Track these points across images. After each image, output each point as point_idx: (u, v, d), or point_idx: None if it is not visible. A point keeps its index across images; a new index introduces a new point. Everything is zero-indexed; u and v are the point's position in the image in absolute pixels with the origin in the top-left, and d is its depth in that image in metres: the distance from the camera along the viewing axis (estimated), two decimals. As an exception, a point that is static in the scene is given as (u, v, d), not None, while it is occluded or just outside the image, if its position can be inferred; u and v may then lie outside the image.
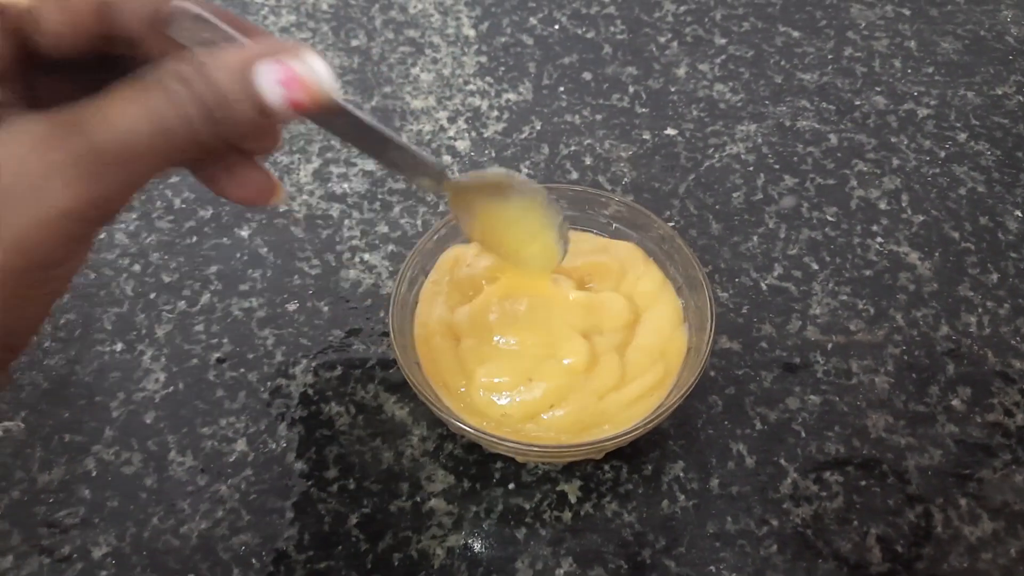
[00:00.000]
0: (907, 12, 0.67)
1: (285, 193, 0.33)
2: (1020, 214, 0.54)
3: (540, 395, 0.41)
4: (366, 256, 0.52)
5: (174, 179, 0.56)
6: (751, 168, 0.57)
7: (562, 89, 0.61)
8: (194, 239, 0.52)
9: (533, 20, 0.66)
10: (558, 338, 0.43)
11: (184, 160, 0.27)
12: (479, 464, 0.44)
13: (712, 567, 0.41)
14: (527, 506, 0.43)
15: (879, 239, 0.53)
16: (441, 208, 0.54)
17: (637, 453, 0.44)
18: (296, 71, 0.26)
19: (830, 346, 0.48)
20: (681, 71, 0.63)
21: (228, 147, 0.30)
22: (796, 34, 0.65)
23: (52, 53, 0.27)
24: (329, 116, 0.31)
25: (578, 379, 0.42)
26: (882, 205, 0.55)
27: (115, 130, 0.24)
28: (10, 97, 0.26)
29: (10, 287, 0.25)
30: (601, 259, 0.46)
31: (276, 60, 0.26)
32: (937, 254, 0.52)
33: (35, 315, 0.27)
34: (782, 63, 0.63)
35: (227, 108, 0.25)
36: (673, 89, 0.61)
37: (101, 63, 0.28)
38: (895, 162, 0.57)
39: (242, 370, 0.47)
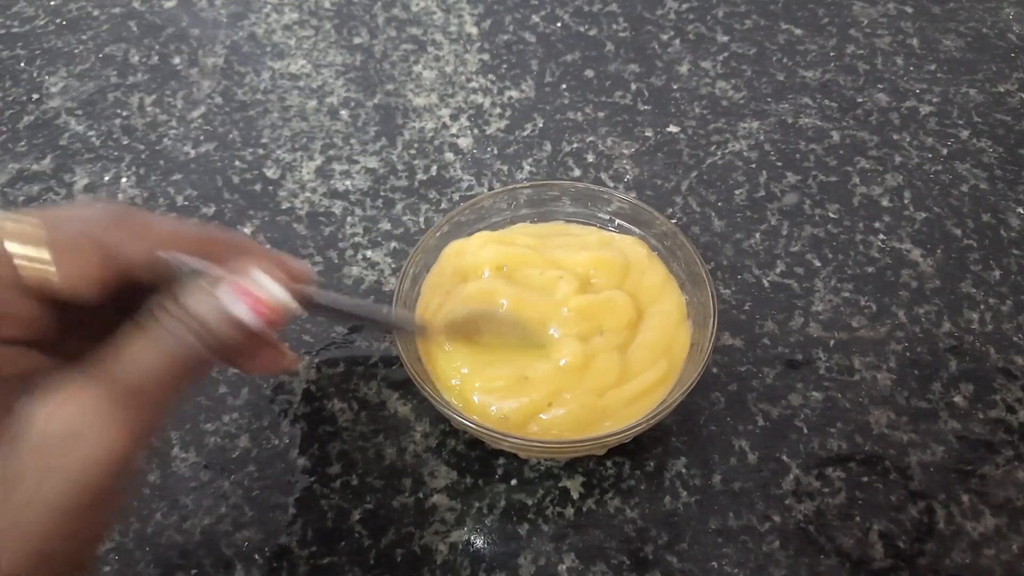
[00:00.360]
0: (909, 9, 0.67)
1: (296, 362, 0.43)
2: (1022, 211, 0.54)
3: (537, 396, 0.41)
4: (368, 253, 0.52)
5: (176, 176, 0.56)
6: (753, 165, 0.57)
7: (564, 86, 0.61)
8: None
9: (535, 18, 0.66)
10: (553, 340, 0.43)
11: (202, 374, 0.31)
12: (482, 460, 0.44)
13: (714, 563, 0.41)
14: (530, 502, 0.43)
15: (881, 236, 0.53)
16: (443, 205, 0.54)
17: (639, 449, 0.44)
18: (252, 293, 0.30)
19: (832, 343, 0.48)
20: (683, 68, 0.63)
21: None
22: (798, 31, 0.65)
23: (73, 303, 0.31)
24: (311, 311, 0.36)
25: (573, 378, 0.42)
26: (884, 202, 0.55)
27: (138, 369, 0.28)
28: (43, 361, 0.30)
29: (80, 522, 0.27)
30: (606, 254, 0.46)
31: (231, 286, 0.30)
32: (939, 251, 0.52)
33: (88, 547, 0.30)
34: (784, 60, 0.63)
35: (216, 333, 0.29)
36: (675, 86, 0.61)
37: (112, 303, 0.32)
38: (897, 159, 0.57)
39: (245, 366, 0.47)
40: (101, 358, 0.28)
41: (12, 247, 0.29)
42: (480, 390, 0.41)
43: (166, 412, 0.30)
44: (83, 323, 0.32)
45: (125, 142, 0.58)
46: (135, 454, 0.28)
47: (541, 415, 0.41)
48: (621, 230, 0.48)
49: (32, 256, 0.29)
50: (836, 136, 0.58)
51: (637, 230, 0.47)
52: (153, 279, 0.32)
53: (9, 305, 0.29)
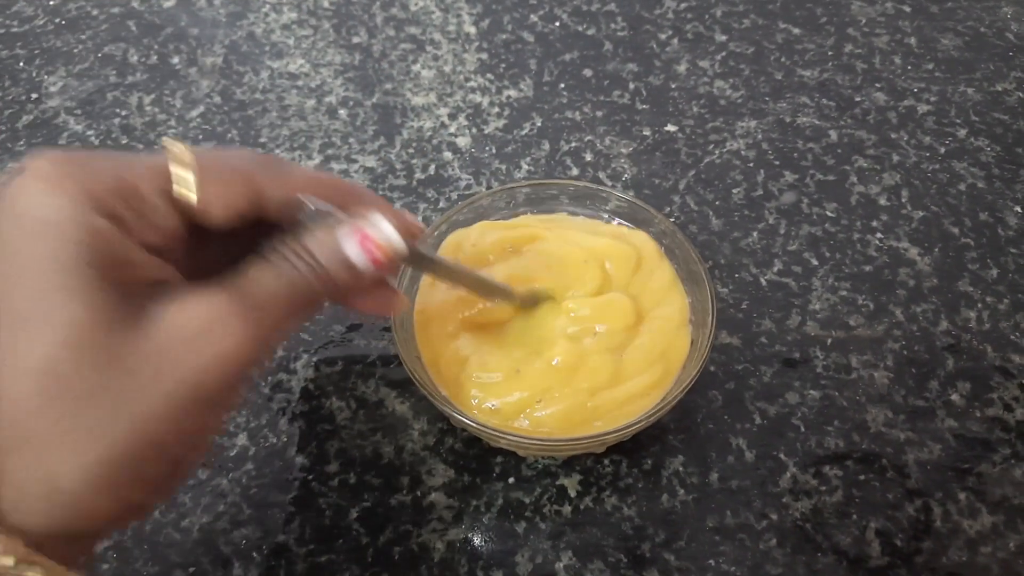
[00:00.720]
0: (907, 9, 0.67)
1: (407, 301, 0.44)
2: (1020, 210, 0.55)
3: (528, 392, 0.41)
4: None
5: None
6: (751, 164, 0.57)
7: (563, 86, 0.61)
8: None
9: (534, 17, 0.66)
10: (546, 341, 0.43)
11: (317, 308, 0.34)
12: (479, 458, 0.44)
13: (712, 561, 0.41)
14: (527, 500, 0.43)
15: (879, 235, 0.53)
16: (442, 204, 0.54)
17: (637, 447, 0.44)
18: (369, 236, 0.33)
19: (830, 341, 0.48)
20: (682, 68, 0.63)
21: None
22: (796, 31, 0.65)
23: (210, 226, 0.33)
24: (414, 262, 0.40)
25: (562, 377, 0.42)
26: (882, 201, 0.55)
27: (263, 290, 0.31)
28: (174, 274, 0.32)
29: (193, 419, 0.29)
30: (622, 245, 0.46)
31: (354, 230, 0.33)
32: (937, 250, 0.52)
33: (193, 449, 0.31)
34: (782, 60, 0.63)
35: (331, 274, 0.32)
36: (673, 86, 0.62)
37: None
38: (895, 158, 0.57)
39: (243, 365, 0.47)
40: (231, 278, 0.31)
41: (171, 166, 0.32)
42: (475, 383, 0.41)
43: (282, 334, 0.32)
44: (212, 251, 0.34)
45: (124, 141, 0.58)
46: (254, 361, 0.31)
47: (531, 411, 0.41)
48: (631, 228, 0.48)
49: (182, 176, 0.32)
50: (834, 135, 0.59)
51: (638, 229, 0.47)
52: (285, 219, 0.34)
53: (157, 214, 0.31)
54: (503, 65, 0.63)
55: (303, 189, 0.34)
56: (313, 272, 0.32)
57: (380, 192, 0.55)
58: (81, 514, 0.27)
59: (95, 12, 0.67)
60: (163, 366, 0.28)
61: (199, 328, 0.29)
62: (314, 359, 0.47)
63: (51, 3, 0.67)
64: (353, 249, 0.33)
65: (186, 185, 0.32)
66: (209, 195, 0.32)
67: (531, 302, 0.44)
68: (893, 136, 0.58)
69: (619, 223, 0.48)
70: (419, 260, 0.40)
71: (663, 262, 0.46)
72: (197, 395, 0.29)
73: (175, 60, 0.63)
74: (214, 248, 0.34)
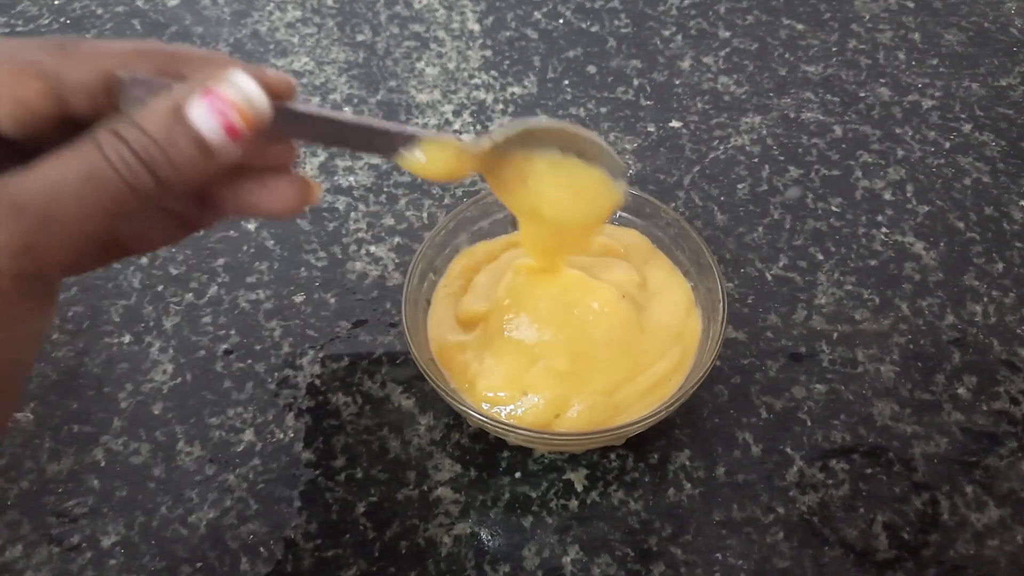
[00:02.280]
0: (911, 4, 0.67)
1: (321, 189, 0.35)
2: (1025, 204, 0.55)
3: (542, 406, 0.41)
4: (372, 248, 0.52)
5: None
6: (756, 160, 0.57)
7: (567, 82, 0.62)
8: (201, 232, 0.52)
9: (537, 14, 0.66)
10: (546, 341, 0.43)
11: (133, 210, 0.26)
12: (486, 453, 0.44)
13: (718, 554, 0.41)
14: (534, 494, 0.43)
15: (884, 229, 0.53)
16: (447, 201, 0.54)
17: (643, 442, 0.44)
18: (221, 95, 0.26)
19: (835, 335, 0.48)
20: (685, 64, 0.63)
21: (243, 168, 0.31)
22: (800, 27, 0.65)
23: (19, 139, 0.27)
24: (283, 126, 0.30)
25: (572, 381, 0.41)
26: (887, 196, 0.55)
27: (37, 183, 0.24)
28: None
29: None
30: (607, 240, 0.46)
31: (203, 91, 0.26)
32: (942, 244, 0.52)
33: (9, 377, 0.27)
34: (786, 55, 0.63)
35: (166, 152, 0.25)
36: (678, 82, 0.62)
37: None
38: (900, 153, 0.57)
39: (249, 361, 0.47)
40: (9, 171, 0.25)
41: None
42: (489, 400, 0.41)
43: (69, 243, 0.25)
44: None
45: (129, 139, 0.58)
46: (31, 284, 0.25)
47: (554, 423, 0.41)
48: (624, 223, 0.48)
49: None
50: (838, 130, 0.58)
51: (641, 222, 0.47)
52: (102, 112, 0.27)
53: None
54: (507, 62, 0.63)
55: (119, 65, 0.28)
56: (131, 151, 0.25)
57: (385, 189, 0.55)
58: None
59: (99, 11, 0.67)
60: None
61: None
62: (320, 355, 0.48)
63: (56, 2, 0.67)
64: (201, 114, 0.26)
65: None
66: None
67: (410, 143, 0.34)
68: (898, 131, 0.58)
69: (621, 216, 0.48)
70: (288, 122, 0.31)
71: (657, 255, 0.46)
72: None
73: (180, 58, 0.63)
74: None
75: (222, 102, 0.26)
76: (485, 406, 0.41)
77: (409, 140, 0.33)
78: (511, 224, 0.48)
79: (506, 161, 0.37)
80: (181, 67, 0.28)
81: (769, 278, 0.51)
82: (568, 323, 0.42)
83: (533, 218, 0.39)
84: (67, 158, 0.25)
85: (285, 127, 0.31)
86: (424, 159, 0.34)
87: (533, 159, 0.37)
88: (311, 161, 0.56)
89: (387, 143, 0.33)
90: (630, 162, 0.56)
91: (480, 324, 0.44)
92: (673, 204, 0.54)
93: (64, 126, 0.28)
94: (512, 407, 0.41)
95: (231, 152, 0.27)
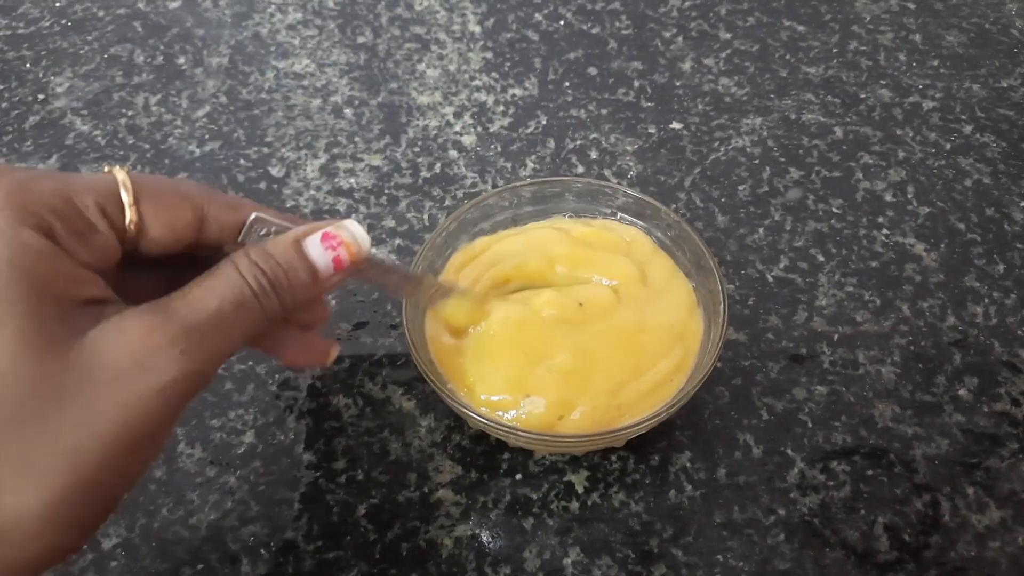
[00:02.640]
0: (912, 6, 0.67)
1: (337, 349, 0.41)
2: (1026, 205, 0.55)
3: (546, 409, 0.41)
4: (373, 250, 0.52)
5: (181, 175, 0.56)
6: (757, 161, 0.57)
7: (568, 84, 0.62)
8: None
9: (538, 16, 0.66)
10: (546, 343, 0.43)
11: (261, 329, 0.32)
12: (486, 455, 0.44)
13: (719, 556, 0.41)
14: (535, 496, 0.43)
15: (885, 231, 0.53)
16: (447, 203, 0.54)
17: (644, 443, 0.44)
18: (334, 234, 0.33)
19: (836, 337, 0.48)
20: (686, 65, 0.63)
21: (286, 320, 0.36)
22: (801, 28, 0.65)
23: (148, 255, 0.32)
24: (364, 272, 0.37)
25: (575, 382, 0.41)
26: (888, 197, 0.55)
27: (203, 311, 0.29)
28: (110, 294, 0.30)
29: (127, 456, 0.28)
30: (605, 232, 0.46)
31: (321, 231, 0.33)
32: (943, 245, 0.52)
33: (126, 484, 0.30)
34: (787, 57, 0.63)
35: (287, 277, 0.31)
36: (678, 83, 0.62)
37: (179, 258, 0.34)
38: (900, 154, 0.57)
39: (250, 363, 0.47)
40: (170, 297, 0.29)
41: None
42: (487, 403, 0.41)
43: (218, 362, 0.30)
44: (152, 284, 0.33)
45: (130, 142, 0.58)
46: (181, 402, 0.29)
47: (557, 425, 0.41)
48: (625, 224, 0.48)
49: (123, 194, 0.31)
50: (839, 132, 0.59)
51: (641, 223, 0.47)
52: (231, 245, 0.33)
53: (95, 232, 0.30)
54: (508, 64, 0.63)
55: (250, 211, 0.34)
56: (265, 276, 0.31)
57: (386, 191, 0.55)
58: (8, 560, 0.26)
59: (101, 13, 0.67)
60: (96, 401, 0.27)
61: (132, 361, 0.27)
62: (321, 357, 0.48)
63: (57, 5, 0.67)
64: (316, 247, 0.32)
65: (125, 202, 0.31)
66: (148, 213, 0.31)
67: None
68: (898, 132, 0.58)
69: (622, 217, 0.48)
70: (375, 265, 0.39)
71: (659, 254, 0.47)
72: (130, 433, 0.27)
73: (181, 60, 0.63)
74: (154, 282, 0.33)
75: (335, 240, 0.33)
76: (485, 409, 0.41)
77: (447, 292, 0.42)
78: (512, 223, 0.48)
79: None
80: (294, 220, 0.35)
81: (770, 279, 0.51)
82: (568, 323, 0.43)
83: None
84: (220, 286, 0.30)
85: (361, 273, 0.38)
86: (455, 305, 0.42)
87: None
88: (312, 163, 0.56)
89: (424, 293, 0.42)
90: (631, 164, 0.56)
91: (475, 328, 0.44)
92: (674, 206, 0.54)
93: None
94: (515, 412, 0.41)
95: (333, 280, 0.33)
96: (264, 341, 0.37)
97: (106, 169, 0.31)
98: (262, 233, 0.34)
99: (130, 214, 0.31)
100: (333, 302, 0.50)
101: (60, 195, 0.29)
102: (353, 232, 0.33)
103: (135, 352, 0.28)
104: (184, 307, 0.29)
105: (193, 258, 0.34)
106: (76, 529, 0.28)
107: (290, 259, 0.32)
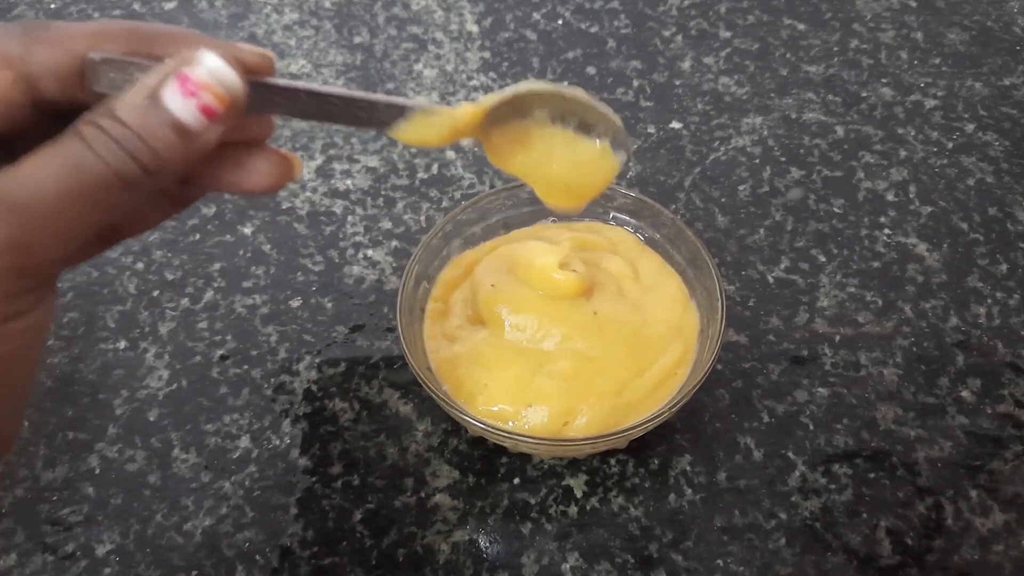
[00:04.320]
0: (913, 3, 0.66)
1: (300, 164, 0.34)
2: (1029, 204, 0.54)
3: (550, 416, 0.40)
4: (369, 252, 0.52)
5: (177, 177, 0.56)
6: (757, 161, 0.56)
7: (566, 84, 0.61)
8: (197, 236, 0.52)
9: (536, 15, 0.66)
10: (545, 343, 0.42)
11: (128, 202, 0.27)
12: (484, 459, 0.44)
13: (720, 561, 0.41)
14: (533, 501, 0.42)
15: (887, 231, 0.53)
16: (445, 204, 0.54)
17: (643, 447, 0.44)
18: (196, 79, 0.26)
19: (838, 338, 0.48)
20: (686, 64, 0.62)
21: (223, 146, 0.30)
22: (801, 27, 0.65)
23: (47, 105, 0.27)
24: (263, 102, 0.30)
25: (578, 385, 0.41)
26: (889, 196, 0.54)
27: (25, 179, 0.24)
28: None
29: None
30: (589, 236, 0.46)
31: (176, 76, 0.26)
32: (945, 245, 0.52)
33: (14, 372, 0.27)
34: (788, 56, 0.63)
35: (146, 142, 0.26)
36: (678, 83, 0.61)
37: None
38: (902, 153, 0.57)
39: (245, 367, 0.47)
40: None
41: None
42: (487, 413, 0.41)
43: (60, 237, 0.26)
44: None
45: (125, 143, 0.58)
46: (23, 281, 0.25)
47: (563, 429, 0.40)
48: (620, 223, 0.48)
49: None
50: (840, 131, 0.58)
51: (635, 221, 0.47)
52: (76, 98, 0.28)
53: None
54: (506, 64, 0.62)
55: (88, 47, 0.27)
56: (114, 142, 0.25)
57: (383, 193, 0.54)
58: None
59: (96, 15, 0.66)
60: None
61: None
62: (317, 360, 0.47)
63: (52, 6, 0.67)
64: (175, 99, 0.26)
65: None
66: (33, 49, 0.26)
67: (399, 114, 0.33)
68: (900, 131, 0.58)
69: (614, 216, 0.48)
70: (267, 97, 0.30)
71: (646, 251, 0.46)
72: None
73: (176, 62, 0.63)
74: None
75: (195, 85, 0.26)
76: (484, 416, 0.41)
77: (399, 111, 0.33)
78: (503, 228, 0.48)
79: (500, 128, 0.36)
80: (152, 46, 0.28)
81: (771, 280, 0.50)
82: (564, 324, 0.42)
83: (536, 181, 0.38)
84: (53, 153, 0.25)
85: (265, 103, 0.30)
86: (416, 128, 0.33)
87: (528, 129, 0.36)
88: (308, 165, 0.56)
89: (376, 115, 0.33)
90: (631, 163, 0.56)
91: (471, 337, 0.43)
92: (674, 206, 0.54)
93: (39, 114, 0.28)
94: (517, 422, 0.40)
95: (211, 133, 0.27)
96: (203, 177, 0.31)
97: None
98: (115, 77, 0.28)
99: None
100: (329, 304, 0.49)
101: None
102: (210, 67, 0.26)
103: None
104: (6, 176, 0.25)
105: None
106: None
107: (144, 119, 0.26)
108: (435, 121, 0.33)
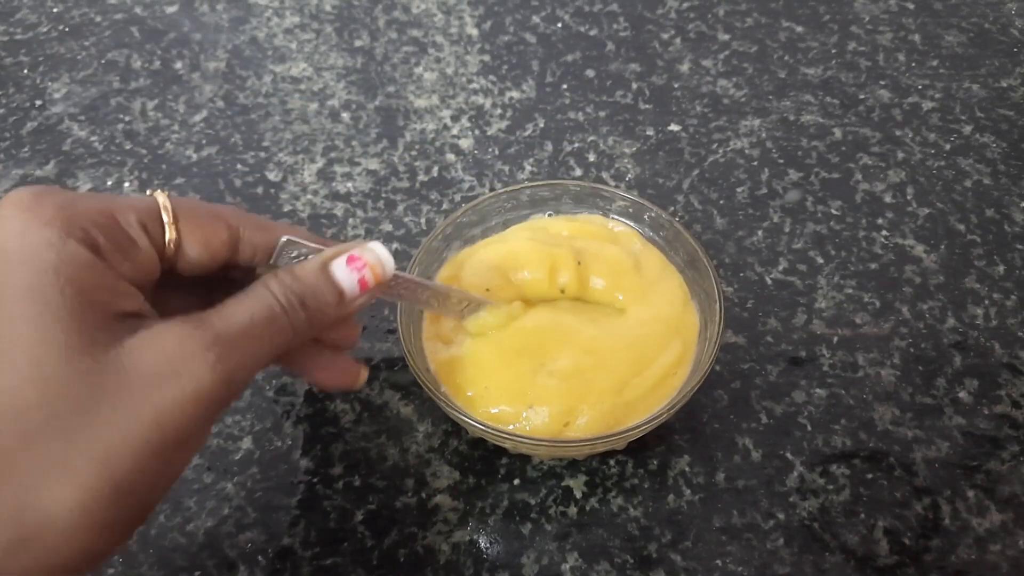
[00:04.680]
0: (911, 6, 0.67)
1: (367, 372, 0.41)
2: (1026, 206, 0.54)
3: (550, 417, 0.40)
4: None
5: (178, 180, 0.56)
6: (755, 163, 0.57)
7: (565, 86, 0.61)
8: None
9: (536, 18, 0.66)
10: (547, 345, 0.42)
11: (290, 344, 0.33)
12: (484, 460, 0.44)
13: (719, 561, 0.41)
14: (532, 501, 0.43)
15: (884, 232, 0.53)
16: (445, 206, 0.54)
17: (642, 447, 0.44)
18: (359, 256, 0.34)
19: (836, 339, 0.48)
20: (684, 67, 0.63)
21: (318, 341, 0.38)
22: (799, 29, 0.65)
23: (186, 275, 0.34)
24: (392, 289, 0.39)
25: (578, 385, 0.41)
26: (887, 198, 0.55)
27: (235, 322, 0.31)
28: (148, 309, 0.31)
29: (161, 461, 0.29)
30: (589, 226, 0.47)
31: (347, 253, 0.34)
32: (943, 246, 0.52)
33: (159, 490, 0.30)
34: (785, 58, 0.63)
35: (315, 298, 0.33)
36: (676, 85, 0.61)
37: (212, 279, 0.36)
38: (900, 155, 0.57)
39: (247, 368, 0.47)
40: (205, 312, 0.31)
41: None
42: (488, 415, 0.41)
43: (250, 373, 0.31)
44: (186, 301, 0.34)
45: (128, 147, 0.58)
46: (214, 409, 0.30)
47: (564, 430, 0.40)
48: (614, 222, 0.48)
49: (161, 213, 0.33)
50: (838, 133, 0.58)
51: (636, 225, 0.47)
52: (263, 265, 0.35)
53: (136, 248, 0.31)
54: (505, 66, 0.63)
55: (282, 234, 0.35)
56: (294, 295, 0.32)
57: (383, 195, 0.55)
58: (42, 562, 0.27)
59: (98, 19, 0.67)
60: (132, 404, 0.28)
61: (167, 366, 0.28)
62: (318, 362, 0.47)
63: (55, 10, 0.67)
64: (342, 270, 0.34)
65: (165, 221, 0.32)
66: (186, 232, 0.33)
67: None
68: (898, 133, 0.58)
69: (615, 218, 0.48)
70: (400, 284, 0.39)
71: (649, 247, 0.46)
72: (163, 437, 0.28)
73: (178, 65, 0.63)
74: (190, 302, 0.34)
75: (360, 262, 0.34)
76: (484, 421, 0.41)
77: (478, 305, 0.42)
78: (502, 227, 0.48)
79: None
80: (323, 241, 0.36)
81: (769, 282, 0.51)
82: (560, 324, 0.42)
83: None
84: (251, 302, 0.32)
85: (392, 291, 0.39)
86: (487, 319, 0.43)
87: None
88: (309, 167, 0.56)
89: (462, 309, 0.42)
90: (629, 166, 0.56)
91: (469, 339, 0.43)
92: (672, 208, 0.54)
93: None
94: (518, 424, 0.40)
95: (363, 298, 0.35)
96: (296, 361, 0.38)
97: (148, 193, 0.33)
98: (293, 256, 0.35)
99: (170, 232, 0.32)
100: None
101: (105, 212, 0.31)
102: (378, 254, 0.35)
103: (171, 358, 0.29)
104: (218, 319, 0.30)
105: (226, 282, 0.35)
106: (108, 533, 0.28)
107: (317, 281, 0.33)
108: (499, 312, 0.43)
